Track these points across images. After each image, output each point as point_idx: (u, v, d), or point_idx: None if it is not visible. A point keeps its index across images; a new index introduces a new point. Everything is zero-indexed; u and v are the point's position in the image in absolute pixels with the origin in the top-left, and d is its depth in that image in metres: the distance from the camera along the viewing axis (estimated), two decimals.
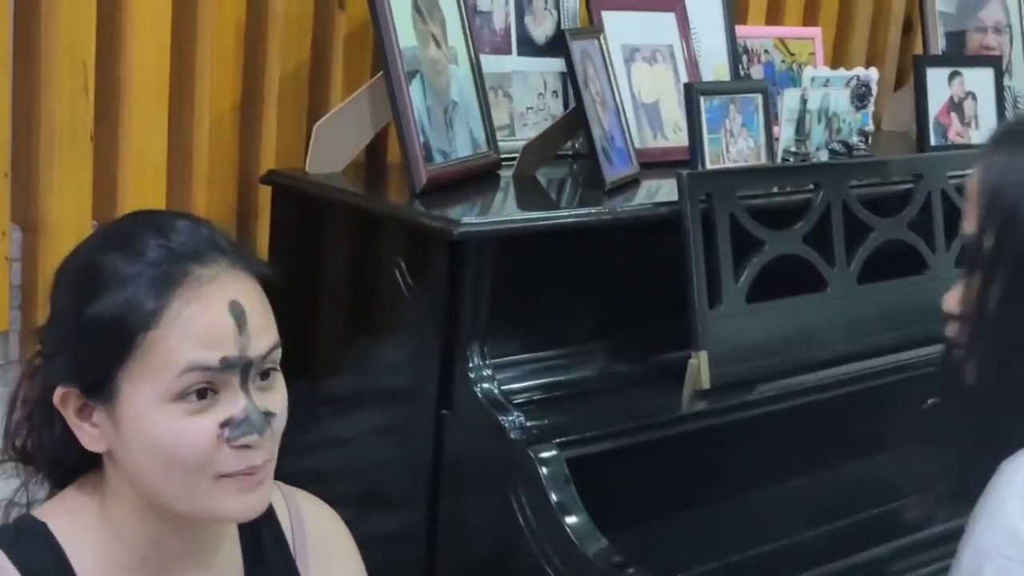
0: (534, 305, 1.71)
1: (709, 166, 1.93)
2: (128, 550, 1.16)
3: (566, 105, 2.07)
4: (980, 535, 1.21)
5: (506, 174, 1.91)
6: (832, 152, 2.12)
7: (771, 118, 2.04)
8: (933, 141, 2.35)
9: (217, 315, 1.10)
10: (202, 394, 1.09)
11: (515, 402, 1.65)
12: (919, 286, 2.06)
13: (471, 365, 1.64)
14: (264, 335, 1.12)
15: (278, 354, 1.14)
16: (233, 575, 1.24)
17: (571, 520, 1.55)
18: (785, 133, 2.07)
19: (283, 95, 1.85)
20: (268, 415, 1.12)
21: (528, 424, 1.62)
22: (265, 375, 1.13)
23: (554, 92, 2.06)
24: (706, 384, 1.76)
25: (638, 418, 1.71)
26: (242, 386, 1.11)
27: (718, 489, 1.78)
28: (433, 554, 1.70)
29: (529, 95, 2.04)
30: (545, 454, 1.58)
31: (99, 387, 1.10)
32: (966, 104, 2.40)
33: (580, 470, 1.60)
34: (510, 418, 1.62)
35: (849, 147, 2.14)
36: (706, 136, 1.93)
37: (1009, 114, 2.51)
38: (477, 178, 1.84)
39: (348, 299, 1.78)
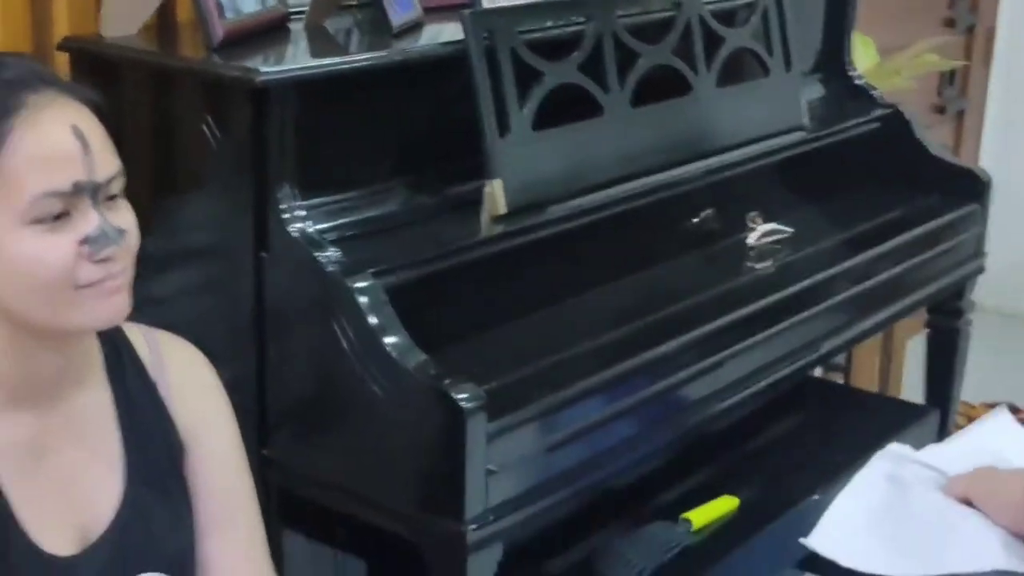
0: (339, 147, 1.80)
1: (485, 5, 2.04)
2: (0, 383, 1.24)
3: None
4: None
5: (295, 26, 1.98)
6: None
7: None
8: None
9: (62, 139, 1.18)
10: (57, 216, 1.17)
11: (329, 240, 1.75)
12: (686, 106, 2.24)
13: (284, 207, 1.73)
14: (108, 158, 1.21)
15: (122, 182, 1.23)
16: (104, 412, 1.33)
17: (390, 340, 1.66)
18: None
19: None
20: (121, 231, 1.21)
21: (343, 259, 1.73)
22: (111, 199, 1.22)
23: None
24: (502, 209, 1.89)
25: (444, 245, 1.84)
26: (94, 206, 1.19)
27: (522, 304, 1.93)
28: (263, 397, 1.80)
29: None
30: (362, 283, 1.69)
31: None
32: None
33: (395, 298, 1.71)
34: (326, 254, 1.72)
35: None
36: None
37: None
38: (268, 31, 1.91)
39: (158, 160, 1.84)
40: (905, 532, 1.38)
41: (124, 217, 1.24)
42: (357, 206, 1.83)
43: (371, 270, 1.71)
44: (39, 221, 1.18)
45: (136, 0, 1.84)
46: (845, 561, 1.44)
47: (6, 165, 1.17)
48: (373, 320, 1.68)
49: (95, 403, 1.33)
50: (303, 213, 1.75)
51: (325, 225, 1.77)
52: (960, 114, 3.96)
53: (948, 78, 3.85)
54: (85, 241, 1.19)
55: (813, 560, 1.87)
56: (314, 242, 1.73)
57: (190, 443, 1.40)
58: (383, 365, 1.66)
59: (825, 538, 1.46)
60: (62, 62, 1.87)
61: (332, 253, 1.73)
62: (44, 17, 1.86)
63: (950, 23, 3.79)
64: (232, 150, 1.73)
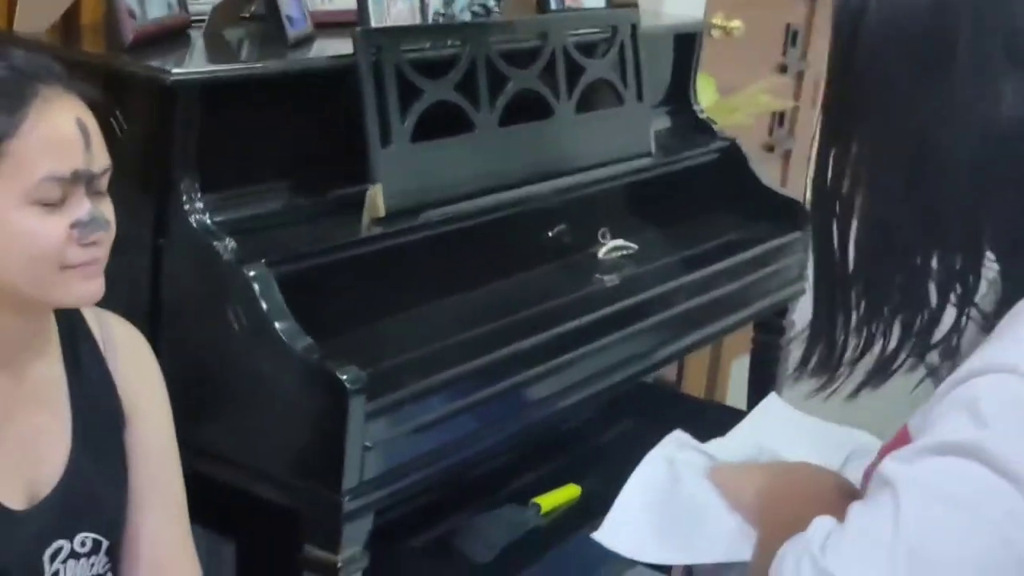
0: (237, 146, 1.95)
1: (374, 25, 2.21)
2: None
3: None
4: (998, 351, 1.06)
5: (194, 34, 2.13)
6: (474, 14, 2.45)
7: None
8: (552, 5, 2.71)
9: (68, 130, 1.31)
10: (53, 199, 1.31)
11: (224, 231, 1.90)
12: (547, 128, 2.44)
13: (184, 199, 1.87)
14: (103, 152, 1.35)
15: (109, 176, 1.37)
16: (57, 380, 1.45)
17: (280, 324, 1.81)
18: None
19: None
20: (107, 220, 1.35)
21: (238, 248, 1.88)
22: (99, 192, 1.35)
23: None
24: (381, 212, 2.06)
25: (329, 241, 2.00)
26: (88, 194, 1.33)
27: (400, 300, 2.10)
28: None
29: None
30: (254, 271, 1.84)
31: None
32: None
33: (283, 287, 1.86)
34: (223, 243, 1.87)
35: (487, 10, 2.47)
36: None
37: None
38: (170, 36, 2.05)
39: None
40: (669, 518, 1.33)
41: (109, 209, 1.37)
42: (250, 201, 1.98)
43: (263, 260, 1.86)
44: (39, 202, 1.30)
45: (49, 1, 1.96)
46: (624, 551, 1.37)
47: (18, 147, 1.28)
48: (264, 305, 1.83)
49: (50, 372, 1.45)
50: (201, 205, 1.89)
51: (221, 217, 1.91)
52: (787, 153, 4.26)
53: (778, 119, 4.14)
54: (76, 225, 1.32)
55: None
56: (211, 232, 1.88)
57: (131, 415, 1.52)
58: (273, 348, 1.81)
59: (608, 529, 1.37)
60: None
61: (228, 243, 1.87)
62: None
63: (783, 68, 4.09)
64: (138, 142, 1.86)
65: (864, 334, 1.16)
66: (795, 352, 1.25)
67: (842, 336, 1.17)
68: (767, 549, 1.16)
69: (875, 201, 1.14)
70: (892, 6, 1.12)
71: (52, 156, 1.30)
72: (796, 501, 1.24)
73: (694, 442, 1.43)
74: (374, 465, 1.85)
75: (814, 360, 1.19)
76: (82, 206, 1.33)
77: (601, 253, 2.52)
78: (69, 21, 2.10)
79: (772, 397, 1.60)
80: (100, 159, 1.35)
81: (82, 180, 1.33)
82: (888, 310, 1.15)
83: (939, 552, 1.00)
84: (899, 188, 1.12)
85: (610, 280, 2.46)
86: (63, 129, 1.31)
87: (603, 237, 2.54)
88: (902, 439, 1.13)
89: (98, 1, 2.14)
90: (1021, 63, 1.10)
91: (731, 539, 1.29)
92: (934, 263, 1.13)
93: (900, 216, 1.12)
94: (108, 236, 1.37)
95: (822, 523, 1.08)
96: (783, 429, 1.51)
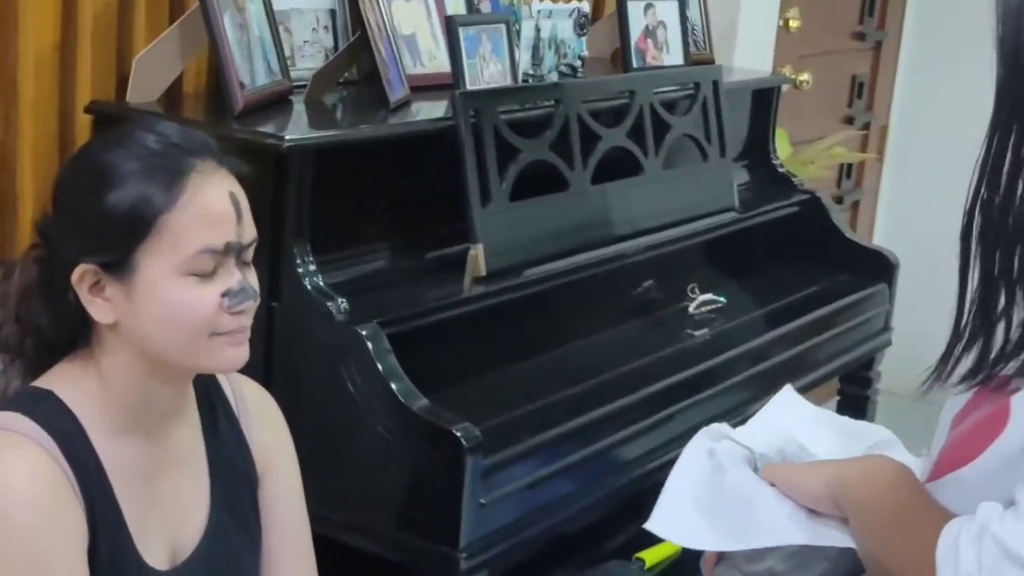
0: (347, 209, 1.98)
1: (469, 87, 2.25)
2: (124, 411, 1.39)
3: (335, 38, 2.34)
4: None
5: (295, 99, 2.17)
6: (561, 74, 2.48)
7: (514, 45, 2.38)
8: (635, 63, 2.75)
9: (222, 204, 1.34)
10: (207, 270, 1.34)
11: (337, 291, 1.92)
12: (637, 185, 2.46)
13: (298, 261, 1.90)
14: (251, 225, 1.38)
15: (255, 246, 1.40)
16: (196, 443, 1.48)
17: (396, 385, 1.84)
18: (524, 58, 2.41)
19: (95, 34, 2.03)
20: (255, 289, 1.38)
21: (351, 308, 1.91)
22: (247, 263, 1.39)
23: (325, 27, 2.33)
24: (483, 271, 2.09)
25: (434, 300, 2.03)
26: (237, 264, 1.36)
27: (500, 357, 2.12)
28: None
29: (305, 29, 2.29)
30: (367, 331, 1.87)
31: (117, 264, 1.32)
32: (658, 32, 2.81)
33: (394, 347, 1.89)
34: (335, 304, 1.90)
35: (574, 69, 2.51)
36: (465, 61, 2.24)
37: (690, 40, 2.93)
38: (275, 103, 2.09)
39: None
40: (720, 506, 1.40)
41: (254, 278, 1.40)
42: (358, 263, 2.01)
43: (375, 320, 1.89)
44: (194, 273, 1.33)
45: (160, 70, 2.01)
46: (678, 540, 1.47)
47: (175, 221, 1.32)
48: (379, 365, 1.85)
49: (190, 434, 1.47)
50: (313, 267, 1.92)
51: (332, 279, 1.93)
52: (855, 204, 4.27)
53: (846, 171, 4.16)
54: (227, 294, 1.34)
55: None
56: (324, 293, 1.90)
57: (263, 475, 1.54)
58: (389, 407, 1.83)
59: (661, 519, 1.44)
60: (84, 124, 2.03)
61: (341, 303, 1.90)
62: (69, 81, 2.01)
63: (849, 120, 4.11)
64: (253, 208, 1.89)
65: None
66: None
67: (1003, 335, 1.19)
68: (869, 526, 1.30)
69: None
70: None
71: (207, 229, 1.33)
72: (871, 485, 1.32)
73: (728, 430, 1.50)
74: (488, 522, 1.86)
75: (967, 362, 1.23)
76: (233, 276, 1.36)
77: (692, 308, 2.54)
78: (171, 91, 2.15)
79: (787, 389, 1.66)
80: (249, 231, 1.39)
81: (233, 252, 1.36)
82: None
83: None
84: None
85: (702, 335, 2.47)
86: (218, 204, 1.35)
87: (692, 292, 2.56)
88: (1003, 414, 1.18)
89: (200, 71, 2.19)
90: None
91: (783, 524, 1.35)
92: None
93: None
94: (255, 305, 1.40)
95: (991, 506, 1.16)
96: (803, 420, 1.58)
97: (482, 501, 1.84)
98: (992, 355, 1.20)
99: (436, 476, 1.82)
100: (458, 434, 1.79)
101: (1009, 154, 1.17)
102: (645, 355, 2.33)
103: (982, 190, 1.19)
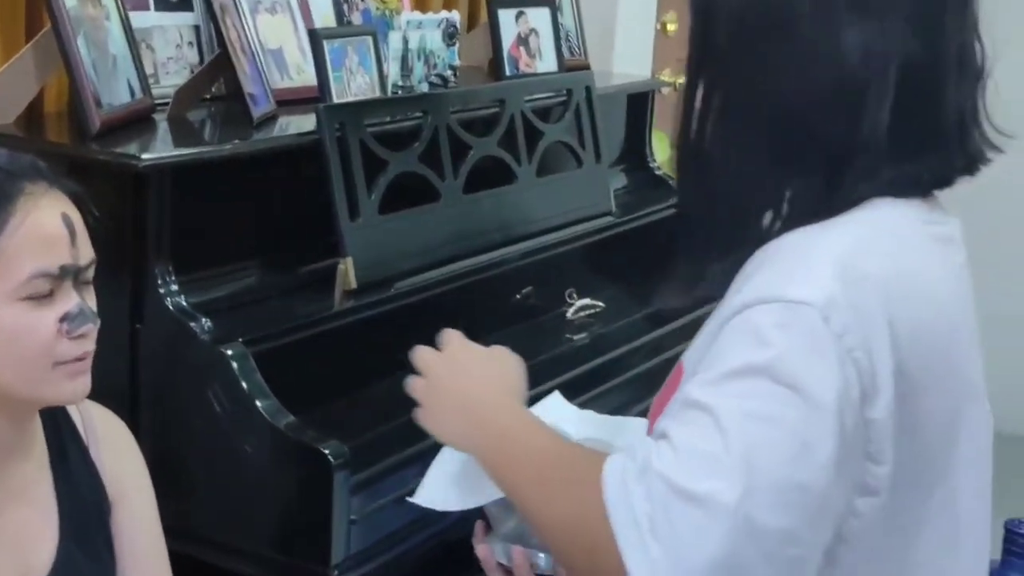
0: (210, 227, 1.96)
1: (336, 100, 2.24)
2: None
3: (200, 55, 2.32)
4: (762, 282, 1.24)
5: (159, 117, 2.14)
6: (431, 84, 2.48)
7: (381, 57, 2.37)
8: (508, 72, 2.76)
9: (54, 227, 1.32)
10: (44, 295, 1.31)
11: (201, 311, 1.91)
12: (510, 193, 2.47)
13: (159, 282, 1.88)
14: (87, 246, 1.36)
15: (93, 268, 1.38)
16: (43, 473, 1.45)
17: (261, 403, 1.83)
18: (392, 69, 2.41)
19: None
20: (94, 312, 1.36)
21: (215, 328, 1.89)
22: (85, 284, 1.36)
23: (190, 43, 2.31)
24: (353, 285, 2.08)
25: (303, 316, 2.02)
26: (74, 287, 1.34)
27: (373, 371, 2.11)
28: None
29: (168, 46, 2.27)
30: (232, 350, 1.85)
31: None
32: (531, 39, 2.82)
33: (261, 365, 1.87)
34: (199, 324, 1.88)
35: (444, 79, 2.51)
36: (331, 75, 2.23)
37: (563, 46, 2.95)
38: (137, 121, 2.07)
39: None
40: (461, 471, 1.54)
41: (93, 301, 1.38)
42: (223, 282, 1.99)
43: (240, 339, 1.87)
44: (29, 298, 1.31)
45: (14, 92, 1.98)
46: (439, 508, 1.58)
47: (6, 245, 1.29)
48: (244, 384, 1.83)
49: (36, 465, 1.45)
50: (175, 287, 1.90)
51: (196, 299, 1.91)
52: None
53: None
54: (65, 318, 1.32)
55: None
56: (187, 313, 1.88)
57: (115, 501, 1.52)
58: (255, 426, 1.82)
59: (422, 490, 1.59)
60: None
61: (204, 323, 1.88)
62: None
63: None
64: (110, 229, 1.86)
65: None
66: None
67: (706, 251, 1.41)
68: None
69: (734, 148, 1.30)
70: None
71: (40, 253, 1.31)
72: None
73: None
74: (361, 538, 1.85)
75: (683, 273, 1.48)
76: (71, 299, 1.34)
77: (570, 313, 2.55)
78: (32, 111, 2.12)
79: (556, 395, 1.79)
80: (85, 252, 1.37)
81: (69, 274, 1.34)
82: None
83: (760, 458, 1.15)
84: (754, 133, 1.27)
85: (580, 339, 2.49)
86: (50, 226, 1.33)
87: (570, 297, 2.57)
88: (678, 375, 1.34)
89: (61, 90, 2.16)
90: (863, 12, 1.21)
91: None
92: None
93: (757, 160, 1.28)
94: (95, 328, 1.38)
95: (648, 443, 1.23)
96: (568, 416, 1.71)
97: (353, 517, 1.83)
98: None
99: (305, 494, 1.81)
100: (326, 451, 1.78)
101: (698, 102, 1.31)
102: (523, 360, 2.33)
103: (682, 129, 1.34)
